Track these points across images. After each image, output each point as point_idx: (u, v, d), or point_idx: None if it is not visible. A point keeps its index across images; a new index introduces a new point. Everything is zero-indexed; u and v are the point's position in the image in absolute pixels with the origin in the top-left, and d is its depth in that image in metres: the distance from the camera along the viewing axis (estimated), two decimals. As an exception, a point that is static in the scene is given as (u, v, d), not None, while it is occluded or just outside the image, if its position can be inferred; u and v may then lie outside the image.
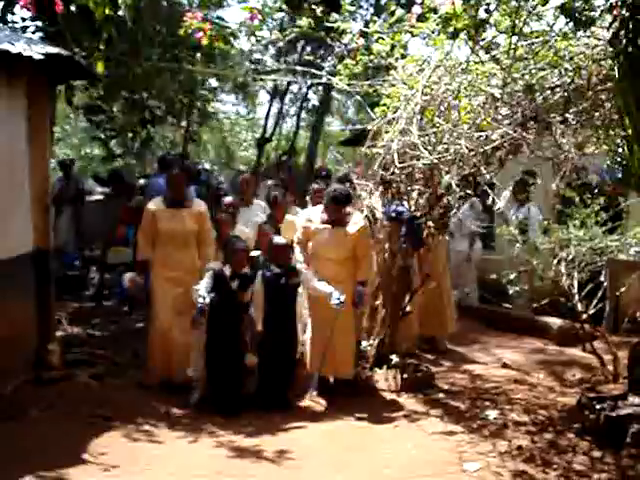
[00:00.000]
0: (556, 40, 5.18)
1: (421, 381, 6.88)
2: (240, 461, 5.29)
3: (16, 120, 6.75)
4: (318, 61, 12.49)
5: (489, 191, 6.50)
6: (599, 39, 5.19)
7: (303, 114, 20.79)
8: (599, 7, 4.44)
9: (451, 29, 4.81)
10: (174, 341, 6.83)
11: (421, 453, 5.42)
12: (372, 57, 6.66)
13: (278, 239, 6.67)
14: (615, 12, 4.22)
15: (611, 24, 4.34)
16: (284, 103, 19.79)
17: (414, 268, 7.26)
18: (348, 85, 7.03)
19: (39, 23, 9.32)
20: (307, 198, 8.34)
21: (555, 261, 7.07)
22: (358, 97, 7.67)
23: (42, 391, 6.46)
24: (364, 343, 7.23)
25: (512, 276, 7.62)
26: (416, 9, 6.04)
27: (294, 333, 6.55)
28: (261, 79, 16.99)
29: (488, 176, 6.43)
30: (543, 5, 4.87)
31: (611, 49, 4.52)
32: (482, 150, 5.98)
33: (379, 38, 6.56)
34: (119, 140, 14.20)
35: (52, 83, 7.91)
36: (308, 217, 6.87)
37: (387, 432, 5.91)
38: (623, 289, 8.17)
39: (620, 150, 5.86)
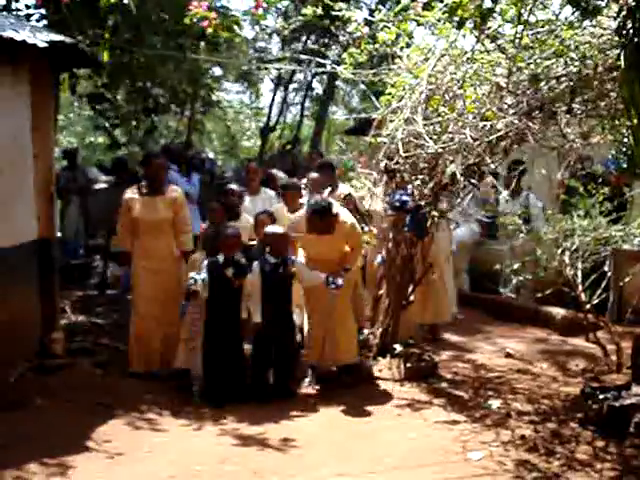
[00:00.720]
0: (562, 29, 5.15)
1: (424, 370, 6.89)
2: (244, 449, 5.31)
3: (20, 108, 6.75)
4: (322, 50, 12.49)
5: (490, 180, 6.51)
6: (605, 28, 5.17)
7: (307, 103, 20.74)
8: (606, -4, 4.42)
9: (457, 18, 4.78)
10: (155, 331, 6.85)
11: (424, 442, 5.43)
12: (377, 46, 6.63)
13: (274, 228, 6.63)
14: (622, 1, 4.19)
15: (618, 13, 4.32)
16: (288, 92, 19.76)
17: (417, 257, 7.26)
18: (353, 74, 7.01)
19: (43, 11, 9.30)
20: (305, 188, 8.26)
21: (559, 251, 7.07)
22: (363, 86, 7.67)
23: (46, 379, 6.48)
24: (366, 331, 7.24)
25: (516, 266, 7.63)
26: (421, -2, 6.02)
27: (291, 323, 6.55)
28: (265, 68, 16.95)
29: (493, 165, 6.43)
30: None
31: (617, 38, 4.50)
32: (487, 140, 5.96)
33: (384, 27, 6.53)
34: (123, 129, 14.18)
35: (56, 71, 7.89)
36: (295, 226, 6.77)
37: (390, 421, 5.92)
38: (627, 279, 8.16)
39: (625, 140, 5.84)
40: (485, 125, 5.84)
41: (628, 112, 4.39)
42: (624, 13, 4.21)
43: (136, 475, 4.90)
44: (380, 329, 7.14)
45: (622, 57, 4.28)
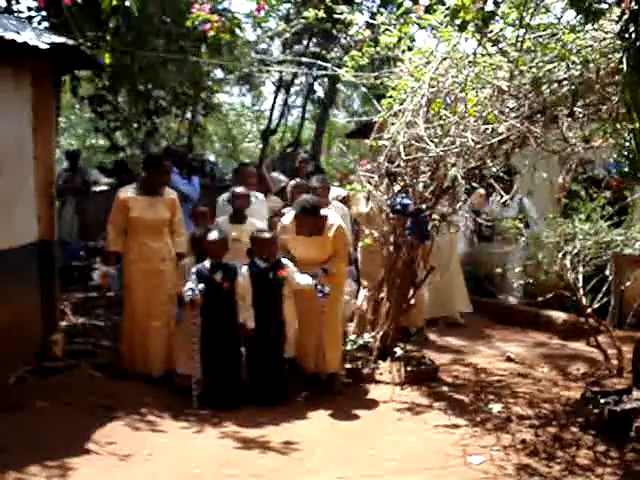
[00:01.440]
0: (564, 33, 5.15)
1: (425, 374, 6.88)
2: (244, 452, 5.30)
3: (21, 110, 6.75)
4: (324, 53, 12.49)
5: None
6: (607, 32, 5.17)
7: (309, 106, 20.73)
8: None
9: (459, 21, 4.77)
10: (152, 334, 6.83)
11: (424, 446, 5.43)
12: (378, 49, 6.63)
13: (262, 232, 6.59)
14: (624, 5, 4.18)
15: (620, 17, 4.31)
16: (289, 95, 19.74)
17: (418, 261, 7.25)
18: (354, 77, 7.01)
19: (44, 13, 9.31)
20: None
21: (560, 255, 7.06)
22: (364, 89, 7.66)
23: (45, 381, 6.47)
24: (367, 335, 7.23)
25: (517, 270, 7.63)
26: (424, 1, 6.02)
27: (282, 328, 6.50)
28: (267, 70, 16.95)
29: (494, 169, 6.43)
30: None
31: (619, 42, 4.49)
32: (488, 143, 5.97)
33: (386, 30, 6.53)
34: (124, 131, 14.19)
35: (57, 73, 7.89)
36: (284, 227, 6.78)
37: (390, 425, 5.91)
38: (628, 283, 8.16)
39: (627, 144, 5.83)
40: (487, 128, 5.85)
41: (630, 116, 4.38)
42: (626, 17, 4.20)
43: (135, 478, 4.89)
44: (380, 332, 7.12)
45: (624, 61, 4.27)
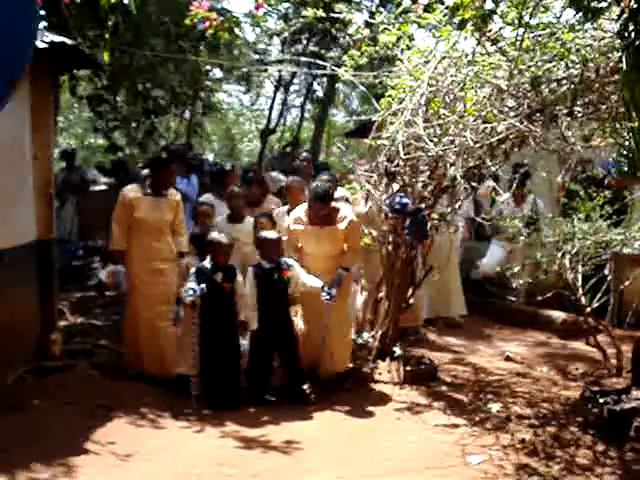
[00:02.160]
0: (563, 32, 5.15)
1: (424, 373, 6.87)
2: (243, 452, 5.29)
3: (19, 109, 6.73)
4: (323, 52, 12.48)
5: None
6: (606, 31, 5.17)
7: (307, 105, 20.73)
8: (607, -2, 4.41)
9: (458, 19, 4.77)
10: (161, 332, 6.80)
11: (424, 446, 5.42)
12: (377, 48, 6.63)
13: (268, 233, 6.55)
14: (623, 3, 4.18)
15: (619, 16, 4.31)
16: (288, 94, 19.74)
17: (417, 260, 7.25)
18: (353, 76, 7.00)
19: (43, 12, 9.29)
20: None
21: (559, 254, 7.06)
22: (363, 88, 7.66)
23: (44, 381, 6.46)
24: (365, 335, 7.22)
25: (516, 269, 7.62)
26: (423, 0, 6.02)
27: (292, 327, 6.47)
28: (265, 70, 16.94)
29: (493, 168, 6.42)
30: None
31: (619, 41, 4.49)
32: (488, 142, 5.96)
33: (385, 29, 6.52)
34: (122, 130, 14.17)
35: (56, 72, 7.88)
36: (296, 218, 6.79)
37: (390, 424, 5.90)
38: (627, 283, 8.16)
39: (626, 143, 5.83)
40: (486, 128, 5.84)
41: (629, 115, 4.38)
42: (625, 15, 4.20)
43: (135, 477, 4.88)
44: (380, 332, 7.11)
45: (624, 59, 4.27)
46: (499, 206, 9.52)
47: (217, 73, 17.33)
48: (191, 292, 6.02)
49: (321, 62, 7.92)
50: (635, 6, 4.10)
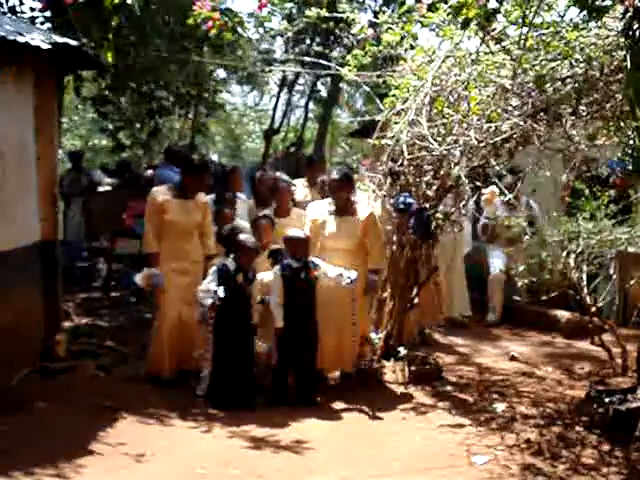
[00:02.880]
0: (567, 31, 5.13)
1: (429, 373, 6.87)
2: (248, 452, 5.28)
3: (24, 110, 6.75)
4: (327, 52, 12.47)
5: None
6: (611, 30, 5.15)
7: (311, 105, 20.73)
8: (611, -3, 4.40)
9: (461, 18, 4.76)
10: (186, 332, 6.77)
11: (429, 446, 5.42)
12: (381, 48, 6.62)
13: (295, 232, 6.54)
14: (628, 2, 4.17)
15: (624, 14, 4.30)
16: (292, 94, 19.74)
17: (422, 260, 7.23)
18: (357, 76, 6.99)
19: (48, 14, 9.31)
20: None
21: (564, 254, 7.04)
22: (367, 88, 7.64)
23: (49, 382, 6.48)
24: (373, 335, 7.21)
25: (521, 268, 7.61)
26: (426, -1, 6.01)
27: (315, 329, 6.42)
28: (269, 70, 16.94)
29: (497, 168, 6.41)
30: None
31: (623, 40, 4.48)
32: (492, 141, 5.95)
33: (388, 28, 6.51)
34: (127, 131, 14.19)
35: (60, 73, 7.89)
36: (316, 209, 6.84)
37: (395, 425, 5.89)
38: (632, 282, 8.14)
39: (631, 142, 5.81)
40: (490, 127, 5.83)
41: (634, 113, 4.36)
42: (630, 14, 4.19)
43: (141, 478, 4.87)
44: (384, 332, 7.11)
45: (628, 58, 4.26)
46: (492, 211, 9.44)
47: (221, 73, 17.36)
48: (212, 294, 6.02)
49: (325, 62, 7.90)
50: (639, 4, 4.09)
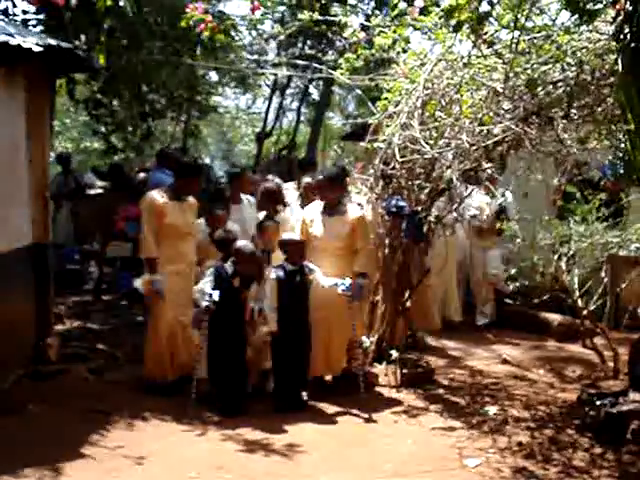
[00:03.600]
0: (558, 35, 5.16)
1: (421, 376, 6.87)
2: (241, 456, 5.28)
3: (15, 113, 6.73)
4: (319, 55, 12.48)
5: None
6: (602, 33, 5.17)
7: (303, 108, 20.73)
8: (602, 0, 4.41)
9: (453, 21, 4.77)
10: (184, 334, 6.74)
11: (421, 449, 5.42)
12: (373, 51, 6.63)
13: (291, 235, 6.54)
14: (619, 6, 4.19)
15: (614, 18, 4.31)
16: (284, 97, 19.74)
17: (415, 263, 7.24)
18: (349, 79, 7.00)
19: (40, 16, 9.29)
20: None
21: (555, 257, 7.06)
22: (359, 91, 7.65)
23: (40, 385, 6.46)
24: (364, 338, 7.19)
25: (513, 271, 7.63)
26: (418, 2, 6.02)
27: (308, 332, 6.39)
28: (262, 73, 16.94)
29: (489, 171, 6.43)
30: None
31: (614, 43, 4.50)
32: (484, 144, 5.96)
33: (381, 32, 6.52)
34: (119, 134, 14.16)
35: (52, 76, 7.87)
36: (310, 209, 6.83)
37: (387, 428, 5.89)
38: (624, 285, 8.16)
39: (622, 145, 5.84)
40: (482, 130, 5.84)
41: (625, 117, 4.38)
42: (621, 18, 4.21)
43: (132, 482, 4.88)
44: (376, 335, 7.11)
45: (619, 62, 4.28)
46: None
47: (213, 76, 17.35)
48: (208, 297, 6.01)
49: (317, 65, 7.90)
50: (630, 8, 4.11)
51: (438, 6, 5.31)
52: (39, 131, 7.02)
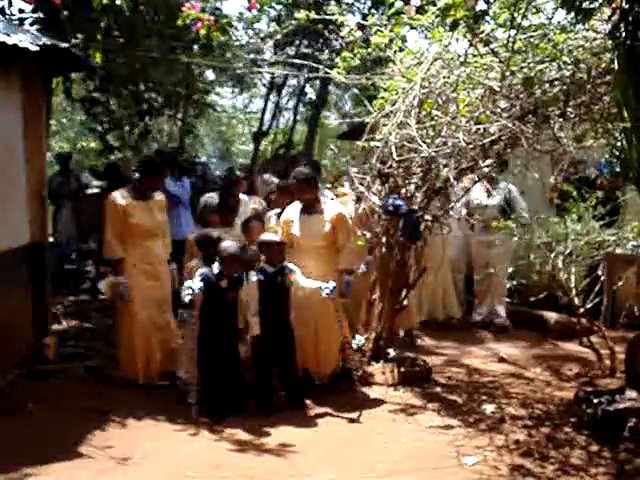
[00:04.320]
0: (555, 33, 5.16)
1: (418, 375, 6.87)
2: (238, 455, 5.28)
3: (12, 113, 6.73)
4: (316, 54, 12.47)
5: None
6: (598, 32, 5.18)
7: (300, 107, 20.70)
8: (599, -1, 4.42)
9: (450, 20, 4.77)
10: (159, 334, 6.75)
11: (418, 447, 5.42)
12: (370, 50, 6.62)
13: (270, 236, 6.49)
14: (615, 4, 4.19)
15: (610, 16, 4.32)
16: (281, 96, 19.71)
17: (411, 262, 7.24)
18: (346, 78, 6.99)
19: (37, 15, 9.27)
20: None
21: (552, 255, 7.07)
22: (356, 90, 7.65)
23: (37, 385, 6.46)
24: (358, 337, 7.20)
25: (510, 270, 7.64)
26: (414, 1, 6.02)
27: (292, 333, 6.36)
28: (258, 72, 16.92)
29: (486, 169, 6.43)
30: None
31: (610, 42, 4.50)
32: (480, 143, 5.97)
33: (377, 31, 6.52)
34: (116, 133, 14.14)
35: (49, 75, 7.87)
36: (290, 209, 6.83)
37: (384, 426, 5.89)
38: (620, 283, 8.17)
39: (618, 144, 5.84)
40: (478, 129, 5.85)
41: (621, 115, 4.39)
42: (617, 16, 4.21)
43: (128, 481, 4.88)
44: (373, 334, 7.11)
45: (615, 60, 4.28)
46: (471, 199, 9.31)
47: (210, 75, 17.33)
48: (189, 290, 5.96)
49: (314, 64, 7.90)
50: (626, 7, 4.11)
51: (434, 5, 5.31)
52: (36, 131, 7.02)
